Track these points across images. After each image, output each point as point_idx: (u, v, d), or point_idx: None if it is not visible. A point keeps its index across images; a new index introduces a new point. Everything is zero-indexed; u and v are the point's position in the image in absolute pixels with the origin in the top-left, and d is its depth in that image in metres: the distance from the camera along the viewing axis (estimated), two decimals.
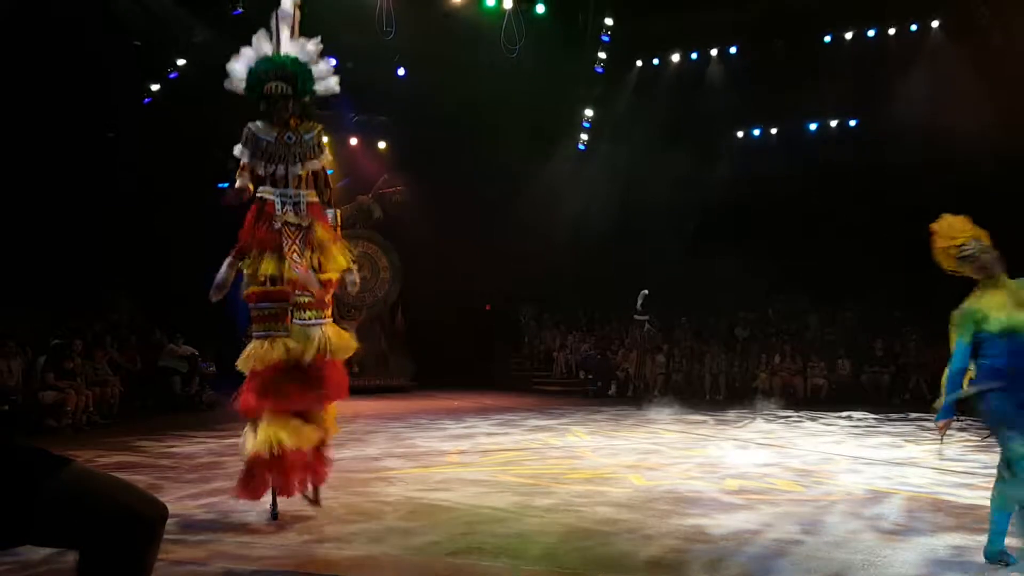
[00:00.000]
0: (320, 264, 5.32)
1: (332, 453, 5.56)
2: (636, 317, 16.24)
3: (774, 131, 20.63)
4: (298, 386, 5.09)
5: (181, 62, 15.15)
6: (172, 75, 15.34)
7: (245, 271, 5.19)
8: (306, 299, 5.24)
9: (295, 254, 5.17)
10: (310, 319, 5.24)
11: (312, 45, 5.47)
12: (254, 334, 5.17)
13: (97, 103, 14.32)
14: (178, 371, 13.35)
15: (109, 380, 11.65)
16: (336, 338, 5.33)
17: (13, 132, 12.66)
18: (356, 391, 14.89)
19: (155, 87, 15.48)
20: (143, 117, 15.44)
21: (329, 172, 5.80)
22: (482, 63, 15.67)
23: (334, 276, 5.35)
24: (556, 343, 19.22)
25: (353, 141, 18.07)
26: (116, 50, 13.86)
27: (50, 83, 13.09)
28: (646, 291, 15.65)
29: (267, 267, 5.09)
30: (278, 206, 5.22)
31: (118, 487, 1.84)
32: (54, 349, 10.96)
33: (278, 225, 5.17)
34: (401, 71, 16.76)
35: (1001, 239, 4.26)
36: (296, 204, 5.27)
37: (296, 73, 5.35)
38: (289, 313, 5.18)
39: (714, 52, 19.33)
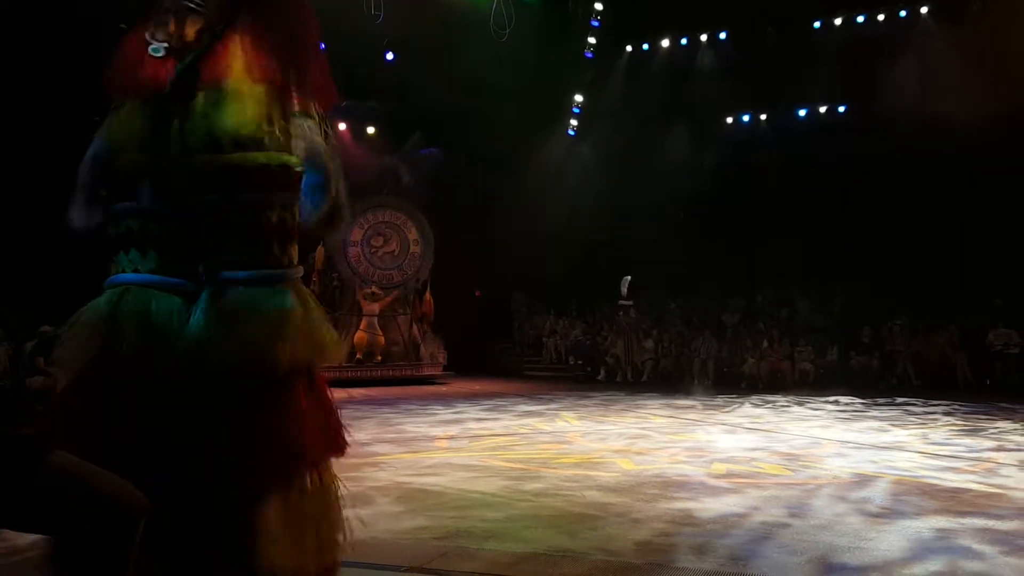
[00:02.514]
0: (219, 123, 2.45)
1: None
2: (620, 303, 16.32)
3: (763, 117, 20.64)
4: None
5: None
6: None
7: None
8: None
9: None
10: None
11: None
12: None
13: (85, 88, 14.16)
14: None
15: None
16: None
17: None
18: (382, 382, 14.67)
19: None
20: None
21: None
22: (471, 48, 15.59)
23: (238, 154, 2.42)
24: (546, 329, 19.25)
25: (342, 126, 17.97)
26: (104, 36, 13.71)
27: (40, 67, 12.95)
28: (629, 277, 15.74)
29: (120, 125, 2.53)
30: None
31: (101, 476, 1.83)
32: (42, 335, 10.89)
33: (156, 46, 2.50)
34: (390, 56, 16.66)
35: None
36: None
37: None
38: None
39: (704, 38, 19.30)
